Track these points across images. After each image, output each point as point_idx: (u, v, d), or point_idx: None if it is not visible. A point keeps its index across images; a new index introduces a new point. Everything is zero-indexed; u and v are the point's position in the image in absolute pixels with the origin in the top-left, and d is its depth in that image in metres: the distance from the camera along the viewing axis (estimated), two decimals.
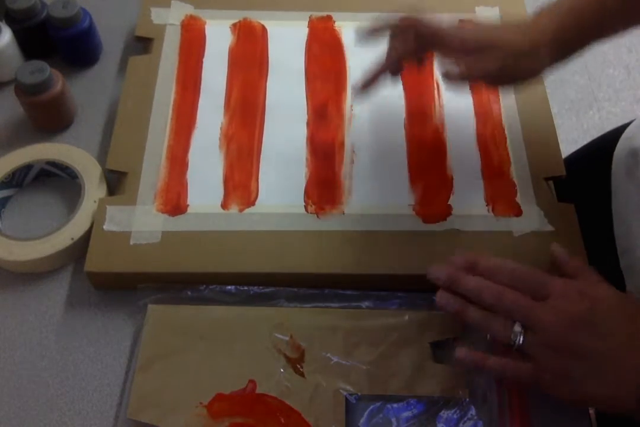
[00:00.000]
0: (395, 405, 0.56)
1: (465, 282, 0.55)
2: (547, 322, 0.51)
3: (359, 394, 0.56)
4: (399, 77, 0.64)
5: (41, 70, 0.68)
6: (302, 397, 0.55)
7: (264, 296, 0.61)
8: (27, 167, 0.68)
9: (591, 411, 0.59)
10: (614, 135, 0.79)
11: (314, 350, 0.58)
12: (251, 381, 0.56)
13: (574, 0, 0.60)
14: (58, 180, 0.70)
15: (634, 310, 0.53)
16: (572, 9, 0.60)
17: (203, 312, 0.60)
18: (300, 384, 0.56)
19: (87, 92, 0.76)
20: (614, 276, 0.69)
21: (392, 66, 0.62)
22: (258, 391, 0.55)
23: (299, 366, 0.57)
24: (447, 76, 0.59)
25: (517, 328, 0.52)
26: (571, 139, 1.75)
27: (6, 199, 0.68)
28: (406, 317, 0.59)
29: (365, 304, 0.61)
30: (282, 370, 0.57)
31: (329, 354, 0.58)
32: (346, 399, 0.56)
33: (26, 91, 0.68)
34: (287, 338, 0.58)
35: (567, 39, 0.60)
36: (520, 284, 0.54)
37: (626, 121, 0.79)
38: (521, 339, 0.52)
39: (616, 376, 0.50)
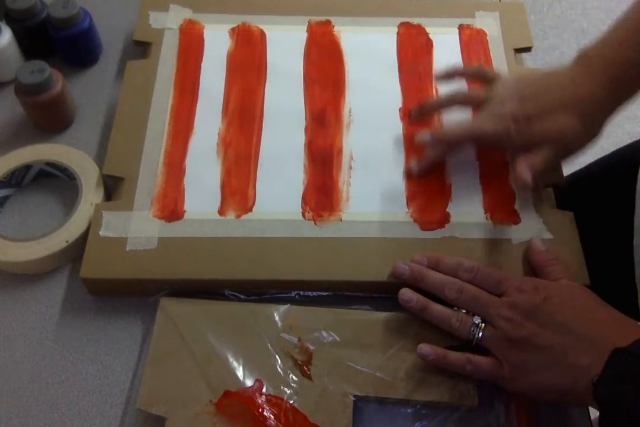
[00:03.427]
0: (403, 410, 0.56)
1: (428, 277, 0.58)
2: (503, 315, 0.54)
3: (367, 398, 0.56)
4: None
5: (41, 70, 0.67)
6: (308, 400, 0.55)
7: (272, 301, 0.61)
8: (27, 167, 0.68)
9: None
10: (638, 147, 0.79)
11: (322, 353, 0.58)
12: (258, 381, 0.56)
13: (623, 33, 0.62)
14: (57, 181, 0.70)
15: (591, 303, 0.55)
16: (623, 44, 0.62)
17: (214, 306, 0.60)
18: (307, 386, 0.56)
19: (87, 92, 0.76)
20: (624, 287, 0.69)
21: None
22: (264, 391, 0.55)
23: (306, 369, 0.57)
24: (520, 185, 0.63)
25: (476, 322, 0.55)
26: None
27: (4, 199, 0.68)
28: (416, 322, 0.59)
29: (372, 307, 0.61)
30: (289, 372, 0.57)
31: (337, 358, 0.57)
32: (354, 403, 0.56)
33: (26, 91, 0.68)
34: (295, 340, 0.58)
35: (627, 85, 0.62)
36: (481, 281, 0.57)
37: (625, 121, 0.79)
38: (480, 333, 0.55)
39: (573, 369, 0.51)
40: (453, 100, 0.69)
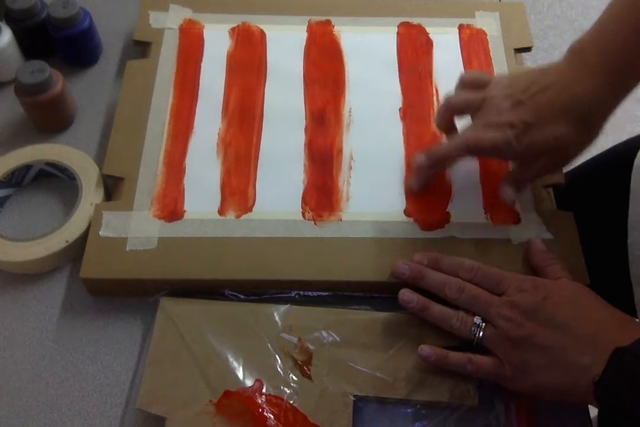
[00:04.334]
0: (403, 410, 0.56)
1: (429, 277, 0.58)
2: (503, 315, 0.54)
3: (367, 398, 0.56)
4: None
5: (41, 70, 0.67)
6: (308, 400, 0.55)
7: (272, 301, 0.61)
8: (27, 167, 0.68)
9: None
10: (632, 144, 0.79)
11: (322, 353, 0.58)
12: (258, 380, 0.56)
13: (614, 20, 0.60)
14: (57, 181, 0.70)
15: (592, 302, 0.55)
16: (617, 31, 0.59)
17: (214, 306, 0.60)
18: (307, 386, 0.56)
19: (87, 92, 0.76)
20: (621, 285, 0.70)
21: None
22: (264, 391, 0.55)
23: (306, 369, 0.57)
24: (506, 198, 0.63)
25: (477, 322, 0.55)
26: None
27: (4, 199, 0.68)
28: (416, 322, 0.59)
29: (372, 307, 0.61)
30: (289, 372, 0.57)
31: (337, 358, 0.57)
32: (354, 403, 0.56)
33: (26, 91, 0.68)
34: (295, 340, 0.58)
35: (625, 76, 0.59)
36: (481, 281, 0.57)
37: (625, 121, 0.78)
38: (480, 333, 0.55)
39: (574, 369, 0.51)
40: (451, 110, 0.65)
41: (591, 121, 0.60)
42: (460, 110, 0.65)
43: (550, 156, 0.61)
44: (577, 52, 0.61)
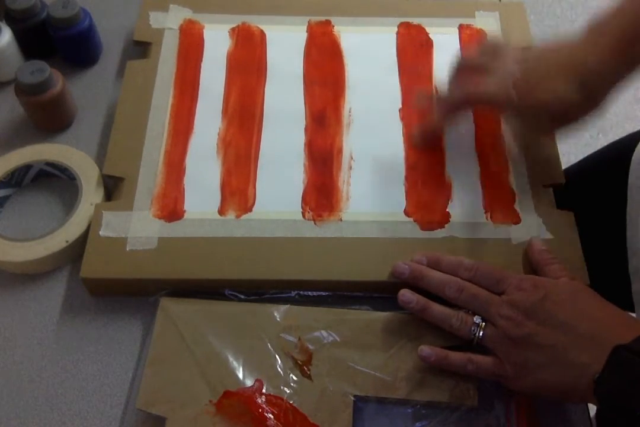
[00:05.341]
0: (403, 410, 0.56)
1: (428, 276, 0.59)
2: (503, 314, 0.54)
3: (367, 398, 0.56)
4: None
5: (41, 70, 0.67)
6: (308, 400, 0.55)
7: (272, 301, 0.61)
8: (27, 167, 0.68)
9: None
10: (629, 141, 0.79)
11: (322, 353, 0.58)
12: (258, 380, 0.56)
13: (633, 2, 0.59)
14: (57, 181, 0.70)
15: (591, 301, 0.55)
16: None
17: (214, 306, 0.60)
18: (307, 386, 0.56)
19: (87, 92, 0.76)
20: (620, 281, 0.70)
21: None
22: (264, 391, 0.55)
23: (306, 369, 0.57)
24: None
25: (477, 322, 0.55)
26: (571, 139, 1.74)
27: (4, 199, 0.68)
28: (416, 322, 0.59)
29: (372, 307, 0.61)
30: (289, 372, 0.57)
31: (337, 358, 0.57)
32: (354, 403, 0.56)
33: (26, 91, 0.68)
34: (295, 340, 0.58)
35: (633, 51, 0.59)
36: (481, 280, 0.57)
37: (625, 121, 0.78)
38: (480, 332, 0.55)
39: (574, 367, 0.51)
40: (464, 64, 0.67)
41: (594, 87, 0.59)
42: (471, 69, 0.66)
43: (548, 115, 0.62)
44: (592, 26, 0.61)
